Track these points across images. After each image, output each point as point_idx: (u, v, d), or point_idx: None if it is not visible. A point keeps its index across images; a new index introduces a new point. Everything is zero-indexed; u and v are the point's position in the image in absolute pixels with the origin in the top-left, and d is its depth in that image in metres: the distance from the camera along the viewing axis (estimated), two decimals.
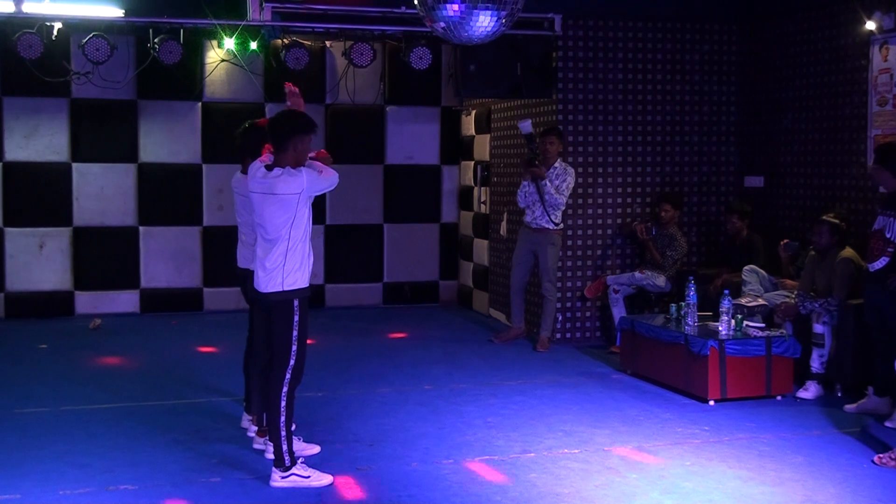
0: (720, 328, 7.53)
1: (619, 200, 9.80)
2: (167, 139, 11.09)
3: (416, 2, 5.80)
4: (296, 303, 5.51)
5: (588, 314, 9.80)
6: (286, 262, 5.47)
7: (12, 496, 5.27)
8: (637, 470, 5.79)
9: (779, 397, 7.47)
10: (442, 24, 5.75)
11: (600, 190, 9.74)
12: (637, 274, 9.29)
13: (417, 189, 12.09)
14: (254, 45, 9.87)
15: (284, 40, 9.60)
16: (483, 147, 11.45)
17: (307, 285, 5.58)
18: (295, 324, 5.52)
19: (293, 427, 5.69)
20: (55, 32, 8.98)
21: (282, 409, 5.50)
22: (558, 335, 9.68)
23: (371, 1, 9.22)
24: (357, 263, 11.92)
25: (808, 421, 6.87)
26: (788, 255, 8.42)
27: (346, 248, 11.84)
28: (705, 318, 7.89)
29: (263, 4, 8.84)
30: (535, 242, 9.33)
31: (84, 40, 8.89)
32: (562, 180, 9.12)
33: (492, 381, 8.02)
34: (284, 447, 5.48)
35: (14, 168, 10.79)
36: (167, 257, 11.21)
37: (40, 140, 10.81)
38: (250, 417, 6.38)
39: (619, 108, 9.73)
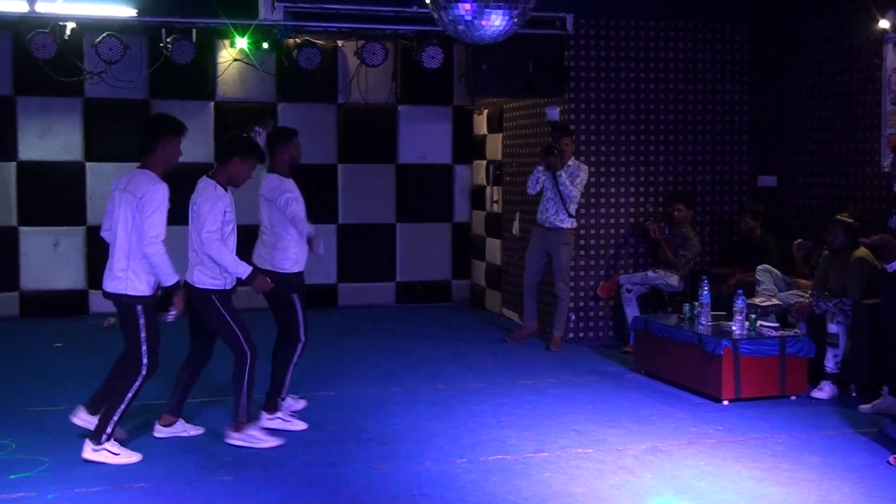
0: (734, 328, 7.51)
1: (632, 200, 9.79)
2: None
3: (427, 1, 5.80)
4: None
5: (601, 314, 9.79)
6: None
7: (28, 493, 5.29)
8: (651, 470, 5.78)
9: (793, 397, 7.44)
10: (457, 23, 5.74)
11: (613, 189, 9.72)
12: (650, 273, 9.28)
13: (430, 188, 12.10)
14: (266, 45, 9.89)
15: (296, 39, 9.62)
16: (495, 146, 11.44)
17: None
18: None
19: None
20: (68, 32, 9.01)
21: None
22: (571, 335, 9.67)
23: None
24: (369, 263, 11.93)
25: (822, 421, 6.84)
26: (802, 254, 8.39)
27: (358, 248, 11.85)
28: (719, 317, 7.87)
29: (275, 4, 8.84)
30: (548, 242, 9.32)
31: (97, 40, 8.92)
32: (575, 176, 9.12)
33: (505, 381, 8.01)
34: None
35: (28, 167, 10.84)
36: (181, 255, 11.19)
37: (54, 139, 10.86)
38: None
39: (631, 107, 9.72)
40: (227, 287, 6.18)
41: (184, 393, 6.45)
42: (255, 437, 6.17)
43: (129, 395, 5.88)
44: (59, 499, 5.24)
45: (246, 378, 6.12)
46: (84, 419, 6.25)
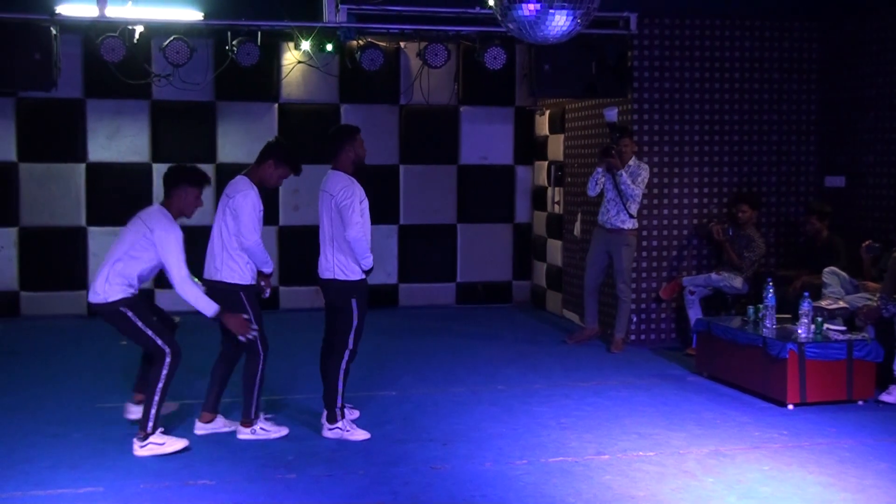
0: (800, 331, 7.40)
1: (696, 201, 9.69)
2: (244, 140, 11.24)
3: (491, 2, 5.80)
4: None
5: (663, 315, 9.71)
6: None
7: (96, 488, 5.41)
8: (713, 474, 5.72)
9: (860, 402, 7.31)
10: (516, 23, 5.72)
11: (676, 190, 9.63)
12: (714, 275, 9.17)
13: (491, 189, 12.09)
14: (329, 47, 9.97)
15: (359, 41, 9.67)
16: (557, 147, 11.40)
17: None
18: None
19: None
20: (137, 36, 9.16)
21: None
22: (633, 336, 9.60)
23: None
24: (431, 263, 11.97)
25: (891, 426, 6.70)
26: (871, 256, 8.23)
27: (419, 248, 11.89)
28: (784, 320, 7.76)
29: (339, 6, 8.92)
30: (609, 243, 9.26)
31: (164, 43, 9.05)
32: (636, 176, 9.06)
33: (565, 382, 7.98)
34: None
35: (97, 169, 11.06)
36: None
37: (122, 141, 11.07)
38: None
39: (695, 107, 9.62)
40: (252, 283, 6.38)
41: (221, 389, 6.55)
42: (265, 431, 6.42)
43: (160, 384, 6.06)
44: (125, 495, 5.34)
45: (258, 376, 6.36)
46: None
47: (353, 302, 6.45)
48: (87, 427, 6.58)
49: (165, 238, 6.07)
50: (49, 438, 6.30)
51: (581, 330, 9.86)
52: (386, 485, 5.51)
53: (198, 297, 6.11)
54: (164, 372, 6.01)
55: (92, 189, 11.06)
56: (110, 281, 6.06)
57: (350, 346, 6.46)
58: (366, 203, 6.51)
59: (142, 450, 5.99)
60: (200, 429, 6.47)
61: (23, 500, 5.24)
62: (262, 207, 6.39)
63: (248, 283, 6.36)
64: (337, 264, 6.43)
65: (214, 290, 6.28)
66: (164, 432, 6.09)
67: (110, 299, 6.04)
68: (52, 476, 5.58)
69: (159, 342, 6.04)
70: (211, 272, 6.39)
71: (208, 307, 6.09)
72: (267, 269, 6.48)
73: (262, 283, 6.53)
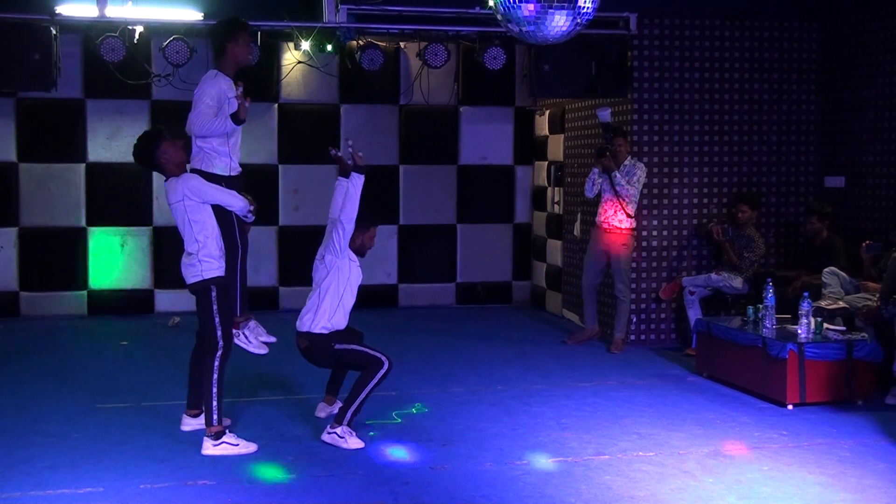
0: (799, 331, 7.40)
1: (696, 201, 9.69)
2: (245, 140, 10.95)
3: (490, 3, 5.80)
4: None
5: (663, 316, 9.70)
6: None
7: (95, 489, 5.40)
8: (713, 474, 5.72)
9: (860, 402, 7.31)
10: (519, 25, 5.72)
11: (676, 190, 9.64)
12: (713, 275, 9.17)
13: (491, 189, 12.09)
14: (329, 47, 9.96)
15: (359, 42, 9.68)
16: (557, 147, 11.40)
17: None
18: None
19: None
20: (137, 36, 9.17)
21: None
22: (633, 337, 9.60)
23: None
24: (430, 263, 11.97)
25: (891, 427, 6.70)
26: (870, 256, 8.24)
27: (419, 249, 11.89)
28: (784, 320, 7.76)
29: (339, 6, 8.93)
30: (607, 243, 9.26)
31: (164, 43, 9.05)
32: (631, 175, 9.06)
33: (565, 383, 7.99)
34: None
35: (97, 169, 11.06)
36: None
37: (122, 141, 11.04)
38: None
39: (695, 107, 9.62)
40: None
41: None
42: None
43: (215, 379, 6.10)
44: (125, 495, 5.34)
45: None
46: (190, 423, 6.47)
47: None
48: (87, 427, 6.58)
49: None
50: (49, 438, 6.30)
51: (581, 330, 9.86)
52: (386, 485, 5.51)
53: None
54: (216, 364, 6.08)
55: (92, 189, 11.06)
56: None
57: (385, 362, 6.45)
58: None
59: (215, 448, 6.01)
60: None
61: (23, 500, 5.24)
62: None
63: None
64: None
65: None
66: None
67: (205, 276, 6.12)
68: (51, 476, 5.58)
69: (222, 331, 6.12)
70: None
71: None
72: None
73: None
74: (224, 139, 6.31)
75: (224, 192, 6.17)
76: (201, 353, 6.27)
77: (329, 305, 6.34)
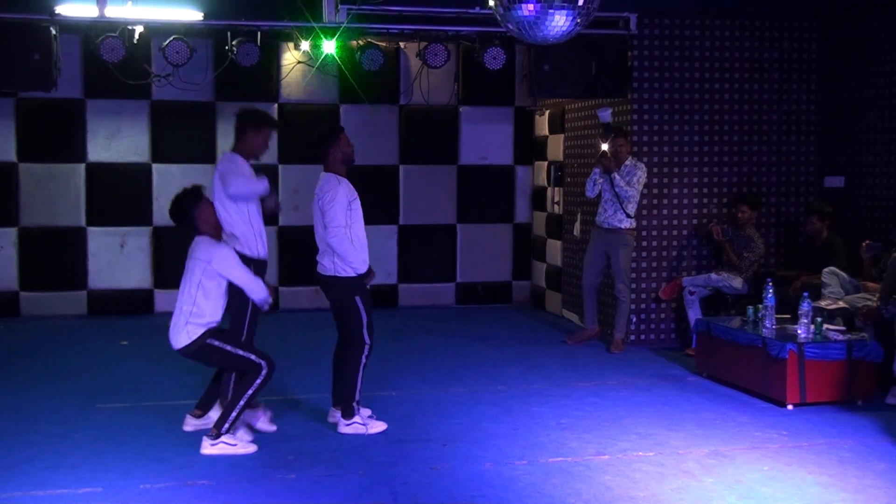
0: (799, 331, 7.40)
1: (696, 201, 9.69)
2: None
3: (490, 2, 5.80)
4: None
5: (663, 316, 9.70)
6: None
7: (95, 489, 5.40)
8: (713, 474, 5.72)
9: (860, 402, 7.30)
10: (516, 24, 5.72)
11: (676, 190, 9.63)
12: (713, 275, 9.17)
13: (491, 189, 12.09)
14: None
15: (359, 41, 9.67)
16: (557, 147, 11.40)
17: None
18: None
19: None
20: (136, 36, 9.17)
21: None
22: (633, 337, 9.60)
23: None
24: (430, 264, 11.97)
25: (891, 427, 6.69)
26: (870, 256, 8.24)
27: (419, 249, 11.89)
28: (784, 321, 7.76)
29: (339, 6, 8.92)
30: (607, 243, 9.27)
31: (164, 43, 9.05)
32: (632, 175, 9.06)
33: (565, 383, 7.98)
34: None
35: (97, 169, 11.06)
36: None
37: (122, 141, 11.07)
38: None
39: (695, 107, 9.62)
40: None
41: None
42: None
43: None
44: (124, 495, 5.34)
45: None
46: (193, 423, 6.50)
47: (357, 298, 6.49)
48: (87, 427, 6.58)
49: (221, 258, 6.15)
50: (49, 438, 6.30)
51: (581, 330, 9.86)
52: (386, 485, 5.51)
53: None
54: (258, 381, 6.08)
55: (92, 189, 11.06)
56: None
57: (367, 341, 6.53)
58: (356, 203, 6.54)
59: (212, 448, 6.02)
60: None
61: (23, 500, 5.24)
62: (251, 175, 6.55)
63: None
64: (336, 262, 6.46)
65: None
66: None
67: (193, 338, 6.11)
68: (51, 476, 5.58)
69: (254, 358, 6.11)
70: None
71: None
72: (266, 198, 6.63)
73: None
74: (249, 223, 6.45)
75: (251, 277, 6.21)
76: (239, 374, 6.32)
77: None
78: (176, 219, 6.23)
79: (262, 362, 6.09)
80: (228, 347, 6.10)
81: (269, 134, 6.65)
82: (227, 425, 6.05)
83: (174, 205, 6.20)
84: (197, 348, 6.08)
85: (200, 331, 6.05)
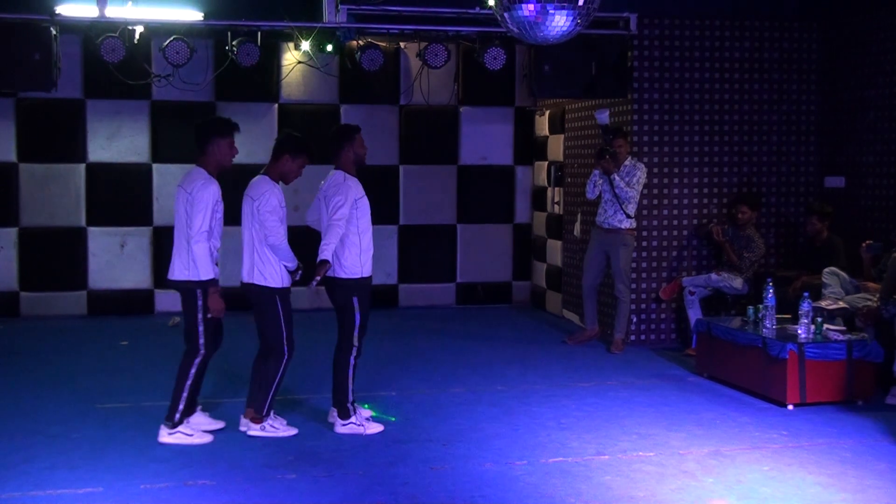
0: (799, 331, 7.40)
1: (696, 201, 9.68)
2: (244, 140, 11.02)
3: (491, 2, 5.80)
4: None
5: (663, 316, 9.70)
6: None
7: (95, 489, 5.40)
8: (713, 474, 5.72)
9: (860, 402, 7.30)
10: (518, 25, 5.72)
11: (676, 190, 9.63)
12: (713, 276, 9.17)
13: (491, 189, 12.09)
14: (329, 47, 9.97)
15: (359, 42, 9.68)
16: (557, 147, 11.40)
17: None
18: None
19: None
20: (137, 36, 9.17)
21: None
22: (633, 337, 9.60)
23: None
24: (430, 264, 11.97)
25: (891, 427, 6.69)
26: (870, 256, 8.23)
27: (419, 249, 11.89)
28: (784, 321, 7.76)
29: (339, 6, 8.92)
30: (607, 243, 9.27)
31: (164, 43, 9.05)
32: (632, 176, 9.06)
33: (565, 383, 7.98)
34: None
35: (97, 169, 11.06)
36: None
37: (122, 141, 11.07)
38: None
39: (695, 107, 9.62)
40: (286, 285, 6.45)
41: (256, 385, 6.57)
42: (274, 428, 6.43)
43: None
44: (125, 495, 5.34)
45: (278, 376, 6.42)
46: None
47: (355, 300, 6.48)
48: (87, 427, 6.58)
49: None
50: (49, 438, 6.30)
51: (581, 331, 9.85)
52: (386, 485, 5.51)
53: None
54: (192, 370, 6.26)
55: (92, 189, 11.06)
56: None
57: (355, 343, 6.52)
58: (363, 201, 6.54)
59: (170, 437, 6.19)
60: (244, 425, 6.50)
61: (22, 500, 5.24)
62: (284, 205, 6.56)
63: (282, 285, 6.41)
64: (337, 262, 6.45)
65: (250, 292, 6.45)
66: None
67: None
68: (51, 476, 5.58)
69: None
70: (245, 275, 6.51)
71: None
72: (290, 266, 6.49)
73: (305, 275, 6.60)
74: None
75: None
76: (185, 354, 6.39)
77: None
78: (196, 137, 6.63)
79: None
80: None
81: (304, 163, 6.61)
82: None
83: (204, 123, 6.68)
84: (186, 289, 6.28)
85: (206, 276, 6.22)
